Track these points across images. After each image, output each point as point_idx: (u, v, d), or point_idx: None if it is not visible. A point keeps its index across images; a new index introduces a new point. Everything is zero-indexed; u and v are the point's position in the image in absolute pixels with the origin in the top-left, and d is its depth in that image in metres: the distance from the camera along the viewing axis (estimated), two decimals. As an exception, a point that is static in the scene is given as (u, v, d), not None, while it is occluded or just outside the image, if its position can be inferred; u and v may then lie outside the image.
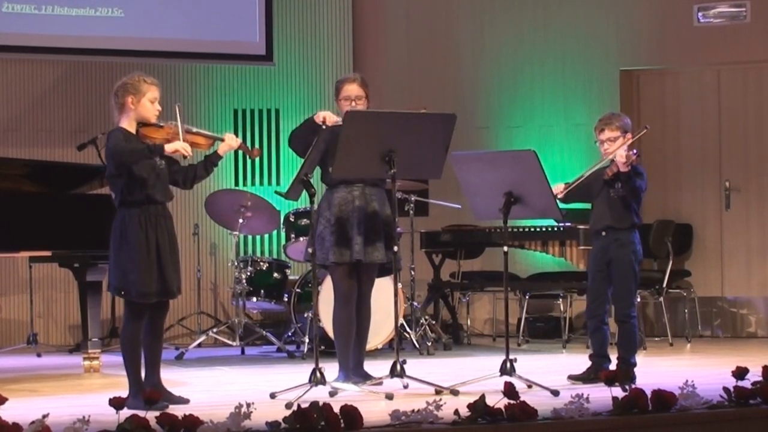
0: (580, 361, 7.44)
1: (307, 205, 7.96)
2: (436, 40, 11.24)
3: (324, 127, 6.81)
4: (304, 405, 5.14)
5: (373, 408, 5.89)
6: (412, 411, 5.27)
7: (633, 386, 5.95)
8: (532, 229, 9.41)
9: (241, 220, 9.48)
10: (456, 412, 5.33)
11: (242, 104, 11.08)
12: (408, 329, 9.21)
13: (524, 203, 6.84)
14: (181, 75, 10.84)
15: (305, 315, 9.10)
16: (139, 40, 10.36)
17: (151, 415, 5.05)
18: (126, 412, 5.07)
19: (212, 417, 5.07)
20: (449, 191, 9.61)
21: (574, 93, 10.84)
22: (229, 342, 9.59)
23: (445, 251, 10.43)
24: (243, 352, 9.45)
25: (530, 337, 10.23)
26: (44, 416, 4.97)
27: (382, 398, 6.30)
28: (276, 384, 6.76)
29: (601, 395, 5.74)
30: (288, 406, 5.72)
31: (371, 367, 7.17)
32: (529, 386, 6.63)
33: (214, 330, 9.80)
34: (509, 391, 5.46)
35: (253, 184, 11.00)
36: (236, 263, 9.56)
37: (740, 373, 5.98)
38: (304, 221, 9.18)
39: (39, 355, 9.42)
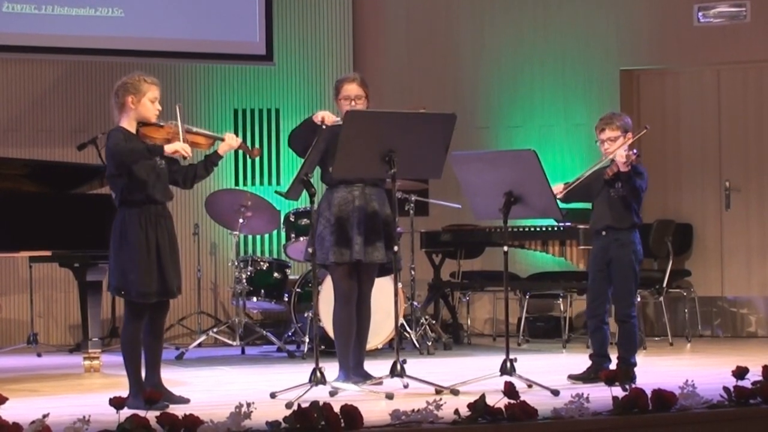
0: (580, 360, 7.45)
1: (307, 205, 7.96)
2: (436, 40, 11.24)
3: (324, 126, 6.81)
4: (305, 405, 5.15)
5: (374, 408, 5.89)
6: (413, 411, 5.28)
7: (633, 386, 5.95)
8: (532, 229, 9.41)
9: (241, 220, 9.48)
10: (456, 411, 5.34)
11: (242, 104, 11.08)
12: (408, 329, 9.22)
13: (524, 203, 6.84)
14: (181, 75, 10.84)
15: (305, 315, 9.10)
16: (139, 40, 10.36)
17: (152, 415, 5.05)
18: (126, 412, 5.07)
19: (212, 417, 5.07)
20: (449, 191, 9.61)
21: (574, 93, 10.84)
22: (230, 342, 9.59)
23: (445, 251, 10.43)
24: (243, 351, 9.45)
25: (530, 337, 10.23)
26: (44, 416, 4.97)
27: (382, 398, 6.30)
28: (276, 384, 6.76)
29: (602, 395, 5.74)
30: (288, 405, 5.72)
31: (371, 366, 7.17)
32: (530, 386, 6.63)
33: (215, 330, 9.80)
34: (509, 390, 5.46)
35: (253, 183, 11.00)
36: (236, 263, 9.56)
37: (740, 372, 5.98)
38: (305, 221, 9.18)
39: (39, 355, 9.42)
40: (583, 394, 5.51)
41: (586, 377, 7.02)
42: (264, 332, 9.47)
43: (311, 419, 5.04)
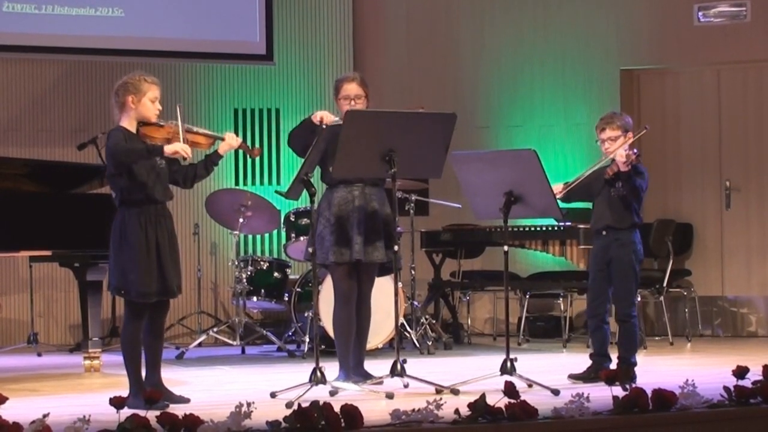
0: (580, 360, 7.45)
1: (307, 205, 7.96)
2: (436, 40, 11.24)
3: (324, 126, 6.80)
4: (305, 404, 5.14)
5: (374, 407, 5.89)
6: (413, 410, 5.27)
7: (633, 385, 5.95)
8: (533, 229, 9.42)
9: (241, 220, 9.48)
10: (456, 411, 5.33)
11: (242, 104, 11.09)
12: (408, 328, 9.22)
13: (524, 203, 6.83)
14: (181, 75, 10.84)
15: (305, 314, 9.10)
16: (139, 40, 10.36)
17: (152, 415, 5.05)
18: (126, 412, 5.07)
19: (213, 416, 5.07)
20: (449, 191, 9.61)
21: (574, 93, 10.84)
22: (230, 341, 9.59)
23: (446, 250, 10.43)
24: (243, 351, 9.45)
25: (531, 337, 10.23)
26: (45, 416, 4.97)
27: (382, 397, 6.30)
28: (276, 383, 6.76)
29: (602, 394, 5.74)
30: (288, 405, 5.72)
31: (371, 366, 7.17)
32: (530, 385, 6.62)
33: (215, 329, 9.80)
34: (510, 390, 5.46)
35: (253, 183, 11.00)
36: (237, 263, 9.56)
37: (740, 372, 5.98)
38: (305, 221, 9.18)
39: (39, 355, 9.42)
40: (583, 393, 5.51)
41: (586, 377, 7.02)
42: (264, 332, 9.47)
43: (311, 419, 5.04)
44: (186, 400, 6.23)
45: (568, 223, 9.08)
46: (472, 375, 6.91)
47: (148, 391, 5.65)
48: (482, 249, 10.56)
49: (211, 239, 10.89)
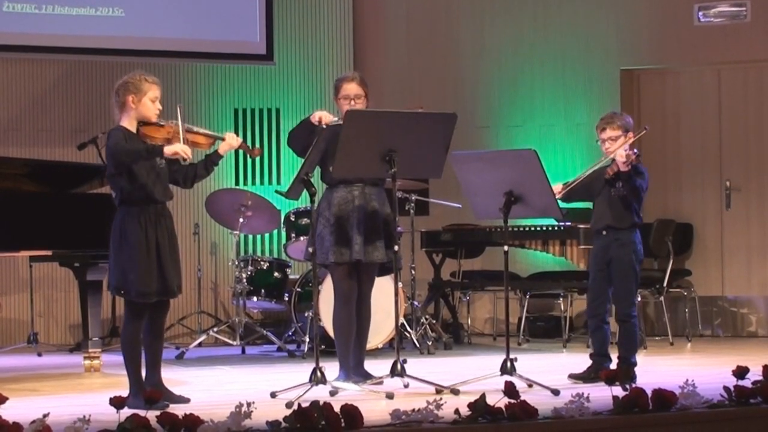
0: (580, 360, 7.45)
1: (307, 205, 7.96)
2: (436, 40, 11.24)
3: (325, 126, 6.80)
4: (305, 404, 5.14)
5: (374, 407, 5.89)
6: (413, 410, 5.27)
7: (633, 385, 5.95)
8: (533, 229, 9.41)
9: (241, 220, 9.49)
10: (456, 411, 5.33)
11: (243, 104, 11.09)
12: (408, 328, 9.21)
13: (525, 203, 6.83)
14: (181, 74, 10.84)
15: (306, 314, 9.10)
16: (139, 40, 10.36)
17: (152, 415, 5.05)
18: (126, 412, 5.07)
19: (213, 416, 5.07)
20: (450, 190, 9.61)
21: (574, 93, 10.84)
22: (230, 341, 9.59)
23: (446, 250, 10.43)
24: (243, 351, 9.45)
25: (531, 337, 10.23)
26: (45, 416, 4.97)
27: (382, 397, 6.30)
28: (276, 383, 6.76)
29: (602, 394, 5.74)
30: (288, 405, 5.72)
31: (372, 366, 7.17)
32: (530, 385, 6.62)
33: (215, 329, 9.80)
34: (510, 390, 5.46)
35: (253, 183, 11.00)
36: (237, 262, 9.56)
37: (740, 372, 5.98)
38: (305, 220, 9.18)
39: (39, 355, 9.42)
40: (583, 393, 5.51)
41: (586, 377, 7.02)
42: (264, 332, 9.47)
43: (311, 419, 5.04)
44: (186, 400, 6.23)
45: (568, 223, 9.08)
46: (472, 375, 6.91)
47: (148, 391, 5.65)
48: (482, 249, 10.56)
49: (211, 239, 10.89)
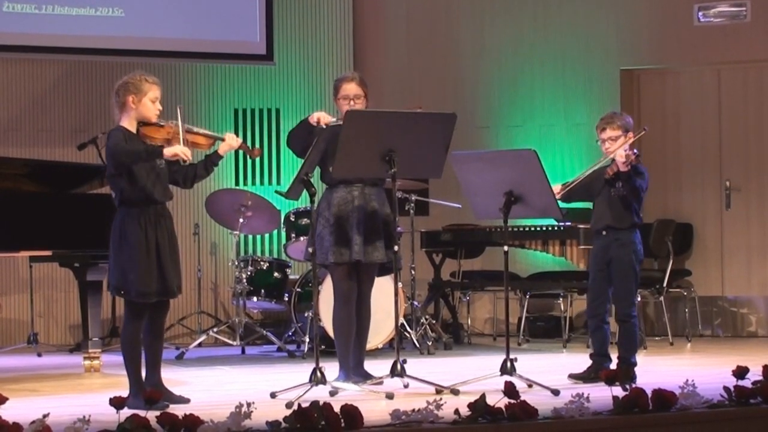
0: (580, 360, 7.45)
1: (307, 205, 7.96)
2: (436, 40, 11.24)
3: (324, 126, 6.80)
4: (305, 404, 5.14)
5: (374, 407, 5.89)
6: (413, 410, 5.27)
7: (633, 385, 5.95)
8: (533, 229, 9.42)
9: (241, 220, 9.49)
10: (456, 411, 5.33)
11: (243, 104, 11.09)
12: (408, 329, 9.21)
13: (524, 203, 6.83)
14: (181, 75, 10.84)
15: (306, 314, 9.10)
16: (139, 40, 10.36)
17: (152, 415, 5.05)
18: (126, 412, 5.06)
19: (213, 416, 5.07)
20: (449, 191, 9.61)
21: (574, 93, 10.84)
22: (230, 341, 9.59)
23: (446, 251, 10.43)
24: (243, 351, 9.45)
25: (531, 337, 10.23)
26: (45, 416, 4.97)
27: (382, 398, 6.30)
28: (276, 383, 6.76)
29: (602, 394, 5.74)
30: (288, 405, 5.72)
31: (371, 366, 7.17)
32: (530, 386, 6.62)
33: (215, 329, 9.80)
34: (510, 390, 5.46)
35: (253, 183, 11.00)
36: (237, 263, 9.56)
37: (740, 372, 5.98)
38: (305, 221, 9.18)
39: (39, 355, 9.41)
40: (583, 393, 5.51)
41: (586, 377, 7.02)
42: (264, 332, 9.47)
43: (311, 419, 5.04)
44: (186, 401, 6.23)
45: (568, 223, 9.08)
46: (472, 375, 6.91)
47: (148, 391, 5.65)
48: (482, 249, 10.56)
49: (211, 239, 10.89)
